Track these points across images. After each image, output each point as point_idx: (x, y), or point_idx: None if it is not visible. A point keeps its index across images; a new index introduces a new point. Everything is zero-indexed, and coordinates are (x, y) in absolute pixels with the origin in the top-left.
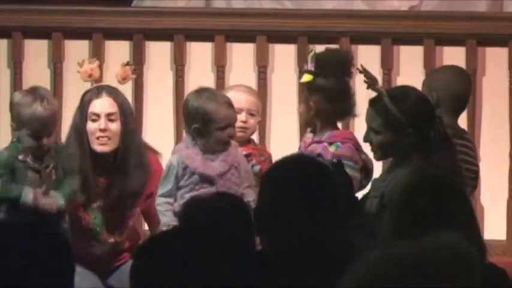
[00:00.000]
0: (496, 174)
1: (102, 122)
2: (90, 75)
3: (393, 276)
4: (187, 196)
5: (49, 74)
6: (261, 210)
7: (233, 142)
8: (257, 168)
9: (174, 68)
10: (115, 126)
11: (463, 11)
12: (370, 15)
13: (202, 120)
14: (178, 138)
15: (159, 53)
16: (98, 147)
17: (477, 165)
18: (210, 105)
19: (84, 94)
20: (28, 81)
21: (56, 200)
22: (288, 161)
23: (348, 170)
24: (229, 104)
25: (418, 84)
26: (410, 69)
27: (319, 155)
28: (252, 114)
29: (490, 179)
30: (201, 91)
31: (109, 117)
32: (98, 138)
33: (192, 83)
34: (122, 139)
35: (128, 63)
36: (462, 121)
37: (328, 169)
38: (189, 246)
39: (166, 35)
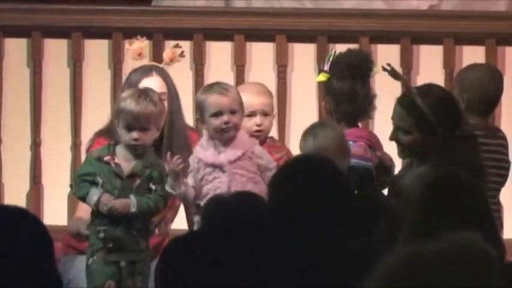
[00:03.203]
0: None
1: None
2: (139, 54)
3: (418, 275)
4: (204, 189)
5: (69, 74)
6: (272, 213)
7: (242, 131)
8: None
9: (194, 67)
10: (166, 104)
11: (482, 11)
12: (390, 15)
13: (199, 111)
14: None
15: None
16: None
17: (509, 162)
18: (201, 95)
19: (131, 74)
20: (48, 81)
21: (126, 204)
22: (293, 163)
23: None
24: (221, 92)
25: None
26: (430, 68)
27: None
28: (266, 115)
29: (509, 177)
30: (207, 85)
31: (160, 95)
32: None
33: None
34: (167, 119)
35: (177, 45)
36: None
37: (335, 166)
38: (212, 247)
39: (185, 35)
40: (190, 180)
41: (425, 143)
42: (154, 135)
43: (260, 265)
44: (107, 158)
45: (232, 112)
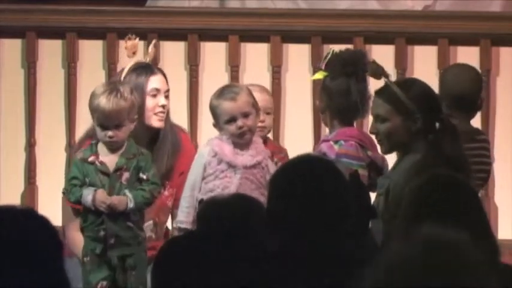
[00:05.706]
0: (510, 173)
1: (162, 98)
2: (134, 52)
3: (404, 277)
4: (211, 184)
5: (63, 74)
6: (271, 212)
7: (258, 139)
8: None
9: (188, 68)
10: (168, 103)
11: (477, 11)
12: (384, 15)
13: (214, 117)
14: (192, 138)
15: (173, 53)
16: (157, 123)
17: (490, 163)
18: (214, 101)
19: (131, 73)
20: (42, 81)
21: (123, 200)
22: (295, 162)
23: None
24: (231, 98)
25: (432, 84)
26: (425, 69)
27: (324, 154)
28: (268, 113)
29: (504, 178)
30: (219, 89)
31: (166, 93)
32: (156, 114)
33: (206, 83)
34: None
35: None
36: (476, 121)
37: (336, 168)
38: (208, 249)
39: (180, 35)
40: (194, 176)
41: (406, 130)
42: (129, 129)
43: (255, 266)
44: (91, 159)
45: (245, 115)
